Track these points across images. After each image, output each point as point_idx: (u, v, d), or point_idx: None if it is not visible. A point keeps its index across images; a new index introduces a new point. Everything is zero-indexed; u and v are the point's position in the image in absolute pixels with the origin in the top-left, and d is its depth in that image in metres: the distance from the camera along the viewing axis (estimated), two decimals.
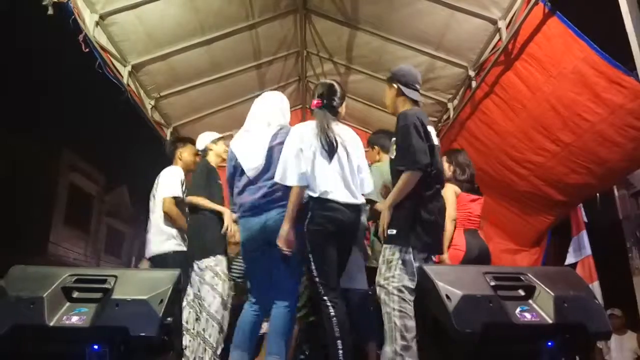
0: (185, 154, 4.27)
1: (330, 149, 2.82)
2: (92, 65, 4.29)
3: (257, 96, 3.29)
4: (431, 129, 2.92)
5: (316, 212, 2.77)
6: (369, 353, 3.25)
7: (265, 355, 2.82)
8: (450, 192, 3.78)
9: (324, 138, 2.82)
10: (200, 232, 3.68)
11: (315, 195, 2.78)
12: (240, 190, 2.93)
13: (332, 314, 2.66)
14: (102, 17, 4.32)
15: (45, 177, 16.96)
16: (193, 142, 4.30)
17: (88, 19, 4.18)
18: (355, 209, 2.87)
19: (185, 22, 4.72)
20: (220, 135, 4.19)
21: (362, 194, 2.99)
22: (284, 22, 5.30)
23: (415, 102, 3.01)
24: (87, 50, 4.11)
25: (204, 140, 4.12)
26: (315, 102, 2.98)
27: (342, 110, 3.06)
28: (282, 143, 2.90)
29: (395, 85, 3.03)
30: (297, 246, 2.78)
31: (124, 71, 4.87)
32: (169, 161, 4.36)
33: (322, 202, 2.77)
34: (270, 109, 3.09)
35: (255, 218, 2.85)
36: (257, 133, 3.00)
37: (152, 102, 5.57)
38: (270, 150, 2.92)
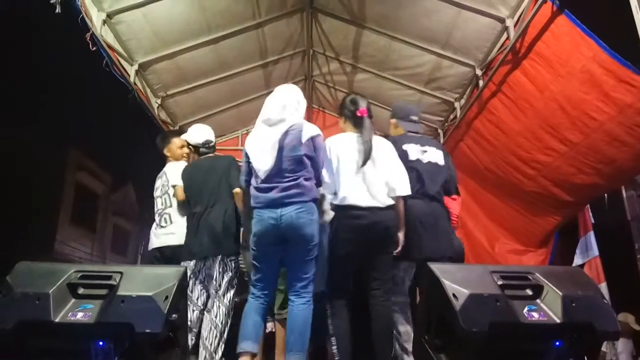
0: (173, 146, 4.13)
1: (366, 157, 2.98)
2: (99, 64, 4.31)
3: (268, 94, 3.25)
4: (410, 146, 3.30)
5: (341, 220, 2.95)
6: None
7: (286, 353, 2.78)
8: None
9: (367, 146, 2.99)
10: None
11: (336, 202, 2.97)
12: (256, 188, 2.90)
13: (329, 312, 2.87)
14: (110, 16, 4.34)
15: (51, 175, 17.04)
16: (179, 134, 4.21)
17: (95, 18, 4.20)
18: (377, 211, 2.93)
19: (192, 21, 4.73)
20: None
21: (398, 197, 3.05)
22: (291, 21, 5.30)
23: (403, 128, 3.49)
24: (94, 48, 4.13)
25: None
26: (364, 110, 3.16)
27: None
28: (295, 141, 2.88)
29: (393, 120, 3.60)
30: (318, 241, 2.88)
31: (131, 70, 4.89)
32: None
33: (344, 209, 2.94)
34: (281, 105, 3.00)
35: (268, 211, 2.81)
36: (268, 133, 2.92)
37: (159, 101, 5.60)
38: (281, 151, 2.86)
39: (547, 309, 2.15)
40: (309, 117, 7.02)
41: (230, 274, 3.57)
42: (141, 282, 2.27)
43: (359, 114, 3.13)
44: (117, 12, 4.35)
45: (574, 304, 2.13)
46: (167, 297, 2.17)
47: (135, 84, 4.90)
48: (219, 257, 3.55)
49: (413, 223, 3.13)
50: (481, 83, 4.93)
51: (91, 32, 4.03)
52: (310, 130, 2.95)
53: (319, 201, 2.99)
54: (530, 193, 5.06)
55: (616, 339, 4.45)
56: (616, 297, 5.29)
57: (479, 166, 5.56)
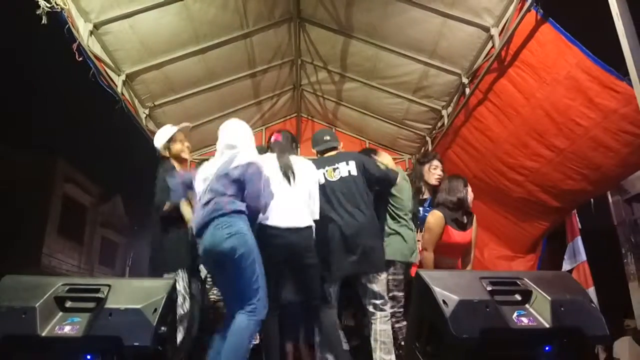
0: None
1: (285, 173, 3.17)
2: (86, 75, 4.29)
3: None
4: (319, 172, 3.45)
5: (262, 240, 2.96)
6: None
7: None
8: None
9: (282, 162, 3.21)
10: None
11: (260, 220, 3.04)
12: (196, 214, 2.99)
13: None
14: (96, 27, 4.31)
15: (38, 187, 16.87)
16: None
17: (82, 28, 4.17)
18: (298, 231, 3.06)
19: (180, 31, 4.72)
20: (174, 131, 3.86)
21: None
22: (279, 31, 5.32)
23: (321, 152, 3.72)
24: (80, 59, 4.10)
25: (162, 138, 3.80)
26: (277, 135, 3.43)
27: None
28: (227, 165, 2.94)
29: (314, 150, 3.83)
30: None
31: (118, 80, 4.86)
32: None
33: (264, 229, 3.03)
34: (227, 138, 3.11)
35: (201, 237, 2.89)
36: (212, 166, 3.05)
37: (147, 112, 5.56)
38: (214, 179, 2.96)
39: (536, 313, 2.17)
40: (298, 126, 7.04)
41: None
42: (130, 294, 2.25)
43: (273, 139, 3.40)
44: (104, 23, 4.32)
45: (562, 309, 2.15)
46: (156, 310, 2.16)
47: (122, 94, 4.87)
48: None
49: (327, 242, 3.28)
50: (468, 91, 4.97)
51: (77, 42, 4.00)
52: (244, 157, 2.97)
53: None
54: (518, 199, 5.10)
55: (605, 343, 4.46)
56: (604, 301, 5.33)
57: (467, 173, 5.58)
